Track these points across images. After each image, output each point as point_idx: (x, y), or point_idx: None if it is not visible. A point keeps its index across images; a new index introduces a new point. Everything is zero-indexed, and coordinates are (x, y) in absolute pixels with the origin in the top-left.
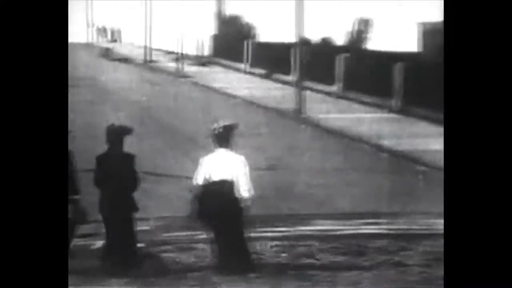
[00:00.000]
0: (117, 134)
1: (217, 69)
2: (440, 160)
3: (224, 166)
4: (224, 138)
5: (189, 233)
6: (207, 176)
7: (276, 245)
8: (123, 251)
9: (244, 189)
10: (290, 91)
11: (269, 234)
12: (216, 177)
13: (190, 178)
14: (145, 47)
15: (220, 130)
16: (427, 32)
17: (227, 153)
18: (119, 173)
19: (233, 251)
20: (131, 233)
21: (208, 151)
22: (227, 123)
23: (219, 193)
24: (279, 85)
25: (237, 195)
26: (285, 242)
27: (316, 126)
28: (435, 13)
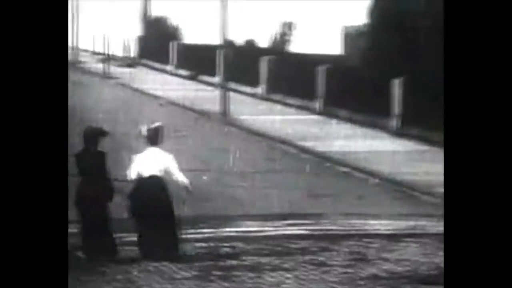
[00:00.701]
0: (93, 135)
1: (143, 70)
2: (361, 160)
3: (154, 163)
4: (154, 138)
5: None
6: (139, 172)
7: (201, 247)
8: (101, 239)
9: (182, 178)
10: (215, 93)
11: (193, 236)
12: (147, 173)
13: (116, 179)
14: (72, 47)
15: (151, 131)
16: (349, 35)
17: (157, 151)
18: (94, 168)
19: (163, 243)
20: (107, 221)
21: (131, 151)
22: (156, 124)
23: (150, 188)
24: (205, 87)
25: (166, 186)
26: (209, 244)
27: (241, 127)
28: (359, 16)
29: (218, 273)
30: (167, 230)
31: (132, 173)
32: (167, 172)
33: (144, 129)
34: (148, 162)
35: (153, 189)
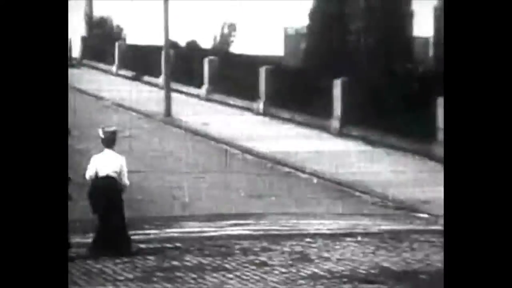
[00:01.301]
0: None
1: (86, 71)
2: (303, 161)
3: (109, 164)
4: (110, 140)
5: None
6: (96, 172)
7: (144, 248)
8: (116, 236)
9: (126, 180)
10: (159, 93)
11: (136, 237)
12: (103, 173)
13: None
14: None
15: (108, 133)
16: (290, 36)
17: (112, 153)
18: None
19: (117, 237)
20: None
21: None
22: (113, 128)
23: (105, 186)
24: (148, 88)
25: (119, 187)
26: (152, 245)
27: (184, 128)
28: (301, 18)
29: (161, 274)
30: (120, 229)
31: (90, 173)
32: (119, 173)
33: (101, 132)
34: (104, 163)
35: (108, 189)
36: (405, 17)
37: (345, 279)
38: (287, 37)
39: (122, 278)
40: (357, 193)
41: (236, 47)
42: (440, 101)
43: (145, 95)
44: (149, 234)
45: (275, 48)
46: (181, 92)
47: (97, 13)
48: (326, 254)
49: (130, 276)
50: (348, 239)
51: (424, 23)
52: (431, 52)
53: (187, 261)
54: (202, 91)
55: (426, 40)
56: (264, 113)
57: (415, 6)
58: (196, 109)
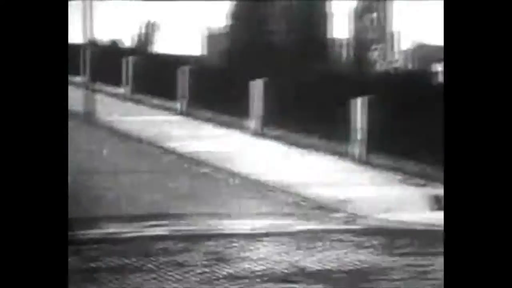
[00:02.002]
0: None
1: None
2: (223, 161)
3: None
4: None
5: None
6: None
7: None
8: None
9: None
10: (79, 92)
11: None
12: None
13: None
14: None
15: None
16: (212, 36)
17: None
18: None
19: None
20: None
21: None
22: None
23: None
24: (69, 87)
25: None
26: (73, 246)
27: (107, 128)
28: (223, 18)
29: (81, 275)
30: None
31: None
32: None
33: None
34: None
35: None
36: (323, 18)
37: (262, 279)
38: (210, 37)
39: None
40: (276, 193)
41: (159, 47)
42: (355, 102)
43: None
44: (69, 235)
45: (198, 48)
46: (102, 91)
47: None
48: (244, 254)
49: None
50: (266, 239)
51: (340, 24)
52: (346, 53)
53: (108, 262)
54: (123, 90)
55: (342, 41)
56: (186, 113)
57: (332, 8)
58: (118, 109)
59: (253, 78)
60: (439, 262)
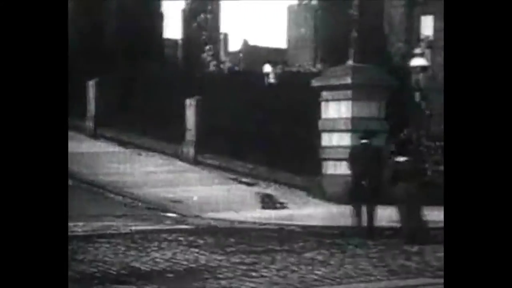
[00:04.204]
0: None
1: None
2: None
3: None
4: None
5: None
6: None
7: None
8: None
9: None
10: None
11: None
12: None
13: None
14: None
15: None
16: None
17: None
18: None
19: None
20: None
21: None
22: None
23: None
24: None
25: None
26: None
27: None
28: None
29: None
30: None
31: None
32: None
33: None
34: None
35: None
36: (156, 18)
37: (96, 281)
38: None
39: None
40: (111, 195)
41: None
42: (187, 103)
43: None
44: None
45: None
46: None
47: None
48: (78, 256)
49: None
50: (101, 240)
51: (173, 25)
52: (180, 54)
53: None
54: None
55: (175, 41)
56: None
57: (166, 8)
58: None
59: (88, 78)
60: (265, 260)
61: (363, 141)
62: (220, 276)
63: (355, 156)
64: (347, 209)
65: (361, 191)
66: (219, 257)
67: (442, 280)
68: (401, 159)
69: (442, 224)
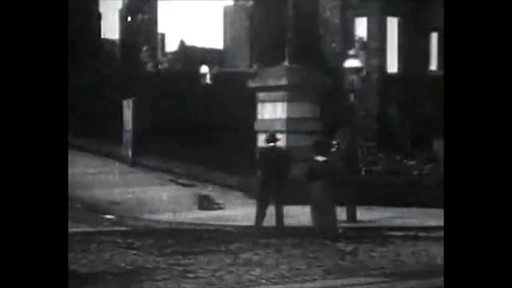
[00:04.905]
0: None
1: None
2: None
3: None
4: None
5: None
6: None
7: None
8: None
9: None
10: None
11: None
12: None
13: None
14: None
15: None
16: None
17: None
18: None
19: None
20: None
21: None
22: None
23: None
24: None
25: None
26: None
27: None
28: None
29: None
30: None
31: None
32: None
33: None
34: None
35: None
36: (93, 18)
37: None
38: None
39: None
40: None
41: None
42: (126, 103)
43: None
44: None
45: None
46: None
47: None
48: None
49: None
50: None
51: (110, 25)
52: (117, 54)
53: None
54: None
55: (113, 41)
56: None
57: (102, 8)
58: None
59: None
60: (201, 261)
61: (270, 144)
62: (157, 277)
63: (263, 158)
64: (284, 209)
65: (268, 191)
66: (157, 259)
67: (375, 279)
68: (319, 158)
69: (373, 224)
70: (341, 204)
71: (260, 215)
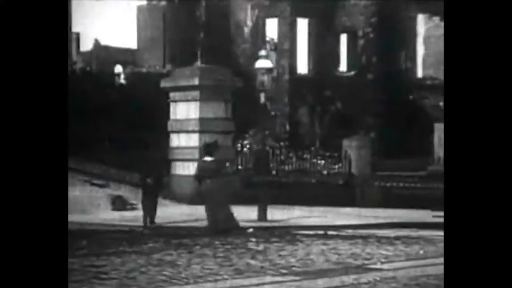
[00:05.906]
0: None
1: None
2: None
3: None
4: None
5: None
6: None
7: None
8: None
9: None
10: None
11: None
12: None
13: None
14: None
15: None
16: None
17: None
18: None
19: None
20: None
21: None
22: None
23: None
24: None
25: None
26: None
27: None
28: None
29: None
30: None
31: None
32: None
33: None
34: None
35: None
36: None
37: None
38: None
39: None
40: None
41: None
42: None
43: None
44: None
45: None
46: None
47: None
48: None
49: None
50: None
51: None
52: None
53: None
54: None
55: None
56: None
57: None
58: None
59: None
60: (114, 262)
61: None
62: (72, 279)
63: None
64: (198, 209)
65: (147, 189)
66: (70, 260)
67: (285, 278)
68: (208, 159)
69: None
70: (252, 204)
71: (145, 214)
